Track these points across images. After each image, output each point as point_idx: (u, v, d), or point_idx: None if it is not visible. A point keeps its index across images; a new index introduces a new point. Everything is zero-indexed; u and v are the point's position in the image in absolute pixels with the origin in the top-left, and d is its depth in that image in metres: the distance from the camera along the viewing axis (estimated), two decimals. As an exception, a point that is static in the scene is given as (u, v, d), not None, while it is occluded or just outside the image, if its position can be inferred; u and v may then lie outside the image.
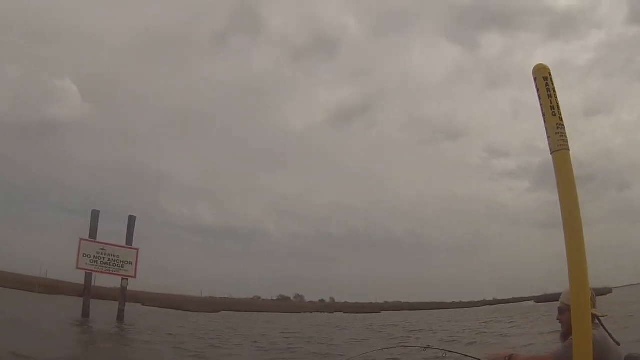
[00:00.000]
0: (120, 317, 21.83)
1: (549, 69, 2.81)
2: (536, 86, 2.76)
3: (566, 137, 2.74)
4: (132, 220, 22.90)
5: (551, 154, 2.71)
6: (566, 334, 3.90)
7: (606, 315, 4.13)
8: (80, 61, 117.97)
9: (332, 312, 58.99)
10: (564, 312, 3.95)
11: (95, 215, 22.02)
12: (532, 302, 61.84)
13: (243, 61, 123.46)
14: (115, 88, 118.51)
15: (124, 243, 22.43)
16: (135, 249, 22.49)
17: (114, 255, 21.61)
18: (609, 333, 4.37)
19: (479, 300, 75.50)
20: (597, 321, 4.32)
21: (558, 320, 4.18)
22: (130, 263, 21.97)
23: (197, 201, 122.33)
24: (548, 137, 2.72)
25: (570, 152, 2.73)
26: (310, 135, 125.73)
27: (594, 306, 4.15)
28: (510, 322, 25.97)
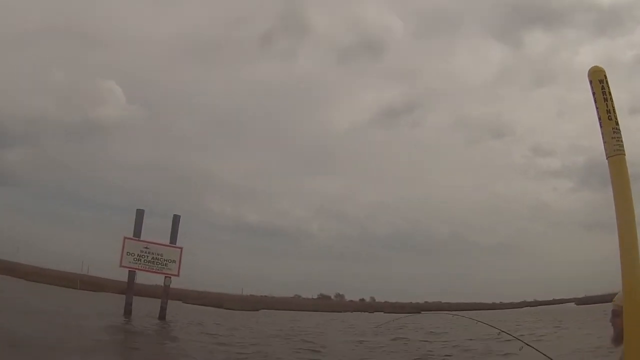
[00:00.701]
0: (162, 315, 22.27)
1: (604, 72, 2.76)
2: (592, 89, 2.72)
3: (622, 141, 2.69)
4: (176, 219, 23.30)
5: (607, 158, 2.67)
6: (618, 338, 3.82)
7: None
8: (126, 64, 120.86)
9: (373, 312, 58.71)
10: (619, 315, 3.87)
11: (139, 214, 22.53)
12: (573, 304, 60.45)
13: (289, 63, 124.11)
14: (161, 90, 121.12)
15: (168, 241, 22.89)
16: (179, 247, 22.86)
17: (158, 254, 22.02)
18: None
19: (519, 301, 74.11)
20: None
21: (611, 324, 4.11)
22: (174, 261, 22.33)
23: (241, 201, 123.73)
24: (604, 141, 2.67)
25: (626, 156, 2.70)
26: (356, 136, 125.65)
27: None
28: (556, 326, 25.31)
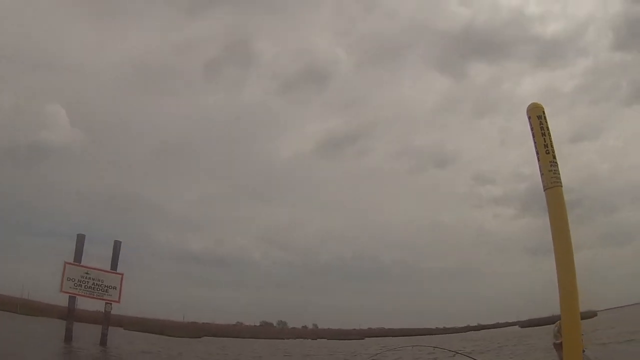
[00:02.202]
0: (103, 341, 21.52)
1: (542, 108, 2.92)
2: (530, 125, 2.86)
3: (559, 173, 2.83)
4: (117, 245, 22.66)
5: (544, 190, 2.80)
6: None
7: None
8: (70, 88, 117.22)
9: (315, 339, 58.72)
10: (560, 349, 4.03)
11: (80, 239, 21.80)
12: (517, 327, 61.93)
13: (234, 92, 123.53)
14: (106, 116, 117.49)
15: (109, 268, 22.18)
16: (120, 273, 22.21)
17: (99, 280, 21.32)
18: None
19: (463, 325, 75.43)
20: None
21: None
22: (115, 288, 21.67)
23: (185, 230, 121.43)
24: (542, 174, 2.81)
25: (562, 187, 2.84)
26: (300, 165, 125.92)
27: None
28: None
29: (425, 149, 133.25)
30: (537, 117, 2.87)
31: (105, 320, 22.15)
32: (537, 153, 2.83)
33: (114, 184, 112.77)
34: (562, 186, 2.84)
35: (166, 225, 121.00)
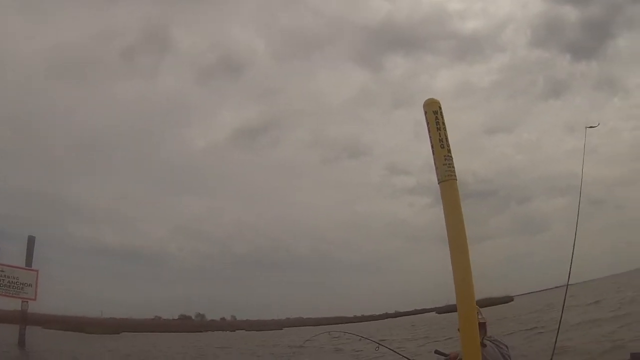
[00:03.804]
0: (21, 342, 20.61)
1: (439, 103, 3.00)
2: (426, 120, 2.93)
3: (453, 167, 2.92)
4: (31, 241, 21.50)
5: (439, 183, 2.88)
6: None
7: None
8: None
9: (234, 330, 58.64)
10: None
11: (-9, 234, 20.69)
12: (433, 314, 63.94)
13: (150, 82, 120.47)
14: (19, 108, 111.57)
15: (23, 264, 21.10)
16: (35, 270, 21.13)
17: (13, 277, 20.28)
18: (496, 342, 4.75)
19: (380, 313, 77.24)
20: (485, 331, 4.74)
21: None
22: (30, 285, 20.66)
23: (102, 223, 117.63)
24: (436, 167, 2.89)
25: (457, 181, 2.93)
26: (216, 155, 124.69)
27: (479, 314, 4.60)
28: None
29: (339, 140, 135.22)
30: (433, 112, 2.94)
31: (22, 319, 21.05)
32: (432, 147, 2.91)
33: (28, 178, 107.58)
34: (456, 179, 2.92)
35: (82, 219, 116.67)
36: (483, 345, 4.45)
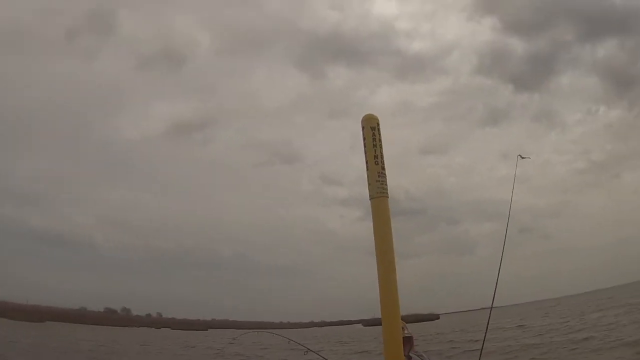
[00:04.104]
0: None
1: (377, 120, 3.00)
2: (363, 135, 2.93)
3: (386, 184, 2.93)
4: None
5: (370, 199, 2.88)
6: None
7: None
8: None
9: (159, 328, 57.25)
10: None
11: None
12: (360, 325, 64.55)
13: (90, 63, 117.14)
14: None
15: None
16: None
17: None
18: (422, 357, 4.83)
19: (307, 321, 77.35)
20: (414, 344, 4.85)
21: None
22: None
23: (27, 205, 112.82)
24: (369, 183, 2.89)
25: (389, 198, 2.94)
26: (148, 146, 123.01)
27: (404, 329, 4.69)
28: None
29: (273, 144, 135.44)
30: (370, 128, 2.95)
31: None
32: (367, 163, 2.91)
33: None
34: (388, 197, 2.93)
35: (7, 199, 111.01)
36: (408, 358, 4.55)
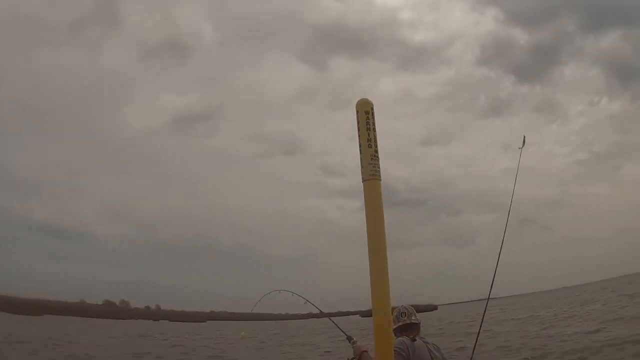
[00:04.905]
0: None
1: (371, 104, 3.03)
2: (357, 119, 2.97)
3: (379, 168, 2.96)
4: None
5: (363, 182, 2.92)
6: None
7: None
8: None
9: (158, 320, 57.38)
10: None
11: None
12: (357, 316, 64.74)
13: (95, 54, 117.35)
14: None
15: None
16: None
17: None
18: (426, 342, 4.91)
19: (305, 312, 77.59)
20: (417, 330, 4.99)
21: None
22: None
23: (31, 197, 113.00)
24: (362, 166, 2.92)
25: (382, 182, 2.97)
26: (153, 138, 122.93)
27: (408, 317, 4.84)
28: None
29: (276, 135, 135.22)
30: (364, 112, 2.98)
31: None
32: (360, 146, 2.95)
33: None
34: (380, 180, 2.97)
35: (11, 190, 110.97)
36: (413, 340, 4.67)
